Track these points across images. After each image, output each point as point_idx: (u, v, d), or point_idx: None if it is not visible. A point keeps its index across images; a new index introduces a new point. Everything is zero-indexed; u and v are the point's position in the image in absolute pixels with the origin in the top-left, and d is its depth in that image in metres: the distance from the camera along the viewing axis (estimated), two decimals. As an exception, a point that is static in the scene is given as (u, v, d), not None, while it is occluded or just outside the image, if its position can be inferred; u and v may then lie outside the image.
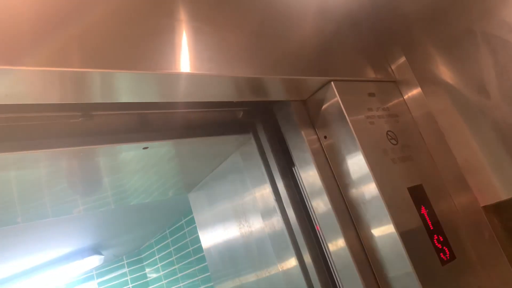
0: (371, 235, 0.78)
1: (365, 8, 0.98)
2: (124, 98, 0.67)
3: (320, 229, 0.84)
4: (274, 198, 0.93)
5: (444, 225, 0.82)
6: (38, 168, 0.79)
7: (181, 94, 0.71)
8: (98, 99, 0.62)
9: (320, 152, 0.86)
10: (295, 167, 0.88)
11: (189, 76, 0.63)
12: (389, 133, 0.86)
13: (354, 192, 0.80)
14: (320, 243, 0.86)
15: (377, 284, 0.78)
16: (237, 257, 1.17)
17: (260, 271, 1.08)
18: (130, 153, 0.90)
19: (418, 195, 0.82)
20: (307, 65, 0.81)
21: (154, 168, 1.05)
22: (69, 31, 0.52)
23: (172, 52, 0.61)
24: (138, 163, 0.97)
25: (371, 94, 0.89)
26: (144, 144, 0.84)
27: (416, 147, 0.90)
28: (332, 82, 0.83)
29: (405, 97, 0.95)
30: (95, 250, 2.57)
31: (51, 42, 0.50)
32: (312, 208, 0.85)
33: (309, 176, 0.84)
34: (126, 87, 0.62)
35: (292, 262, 0.93)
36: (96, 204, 1.19)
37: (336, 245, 0.80)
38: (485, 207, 0.84)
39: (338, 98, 0.82)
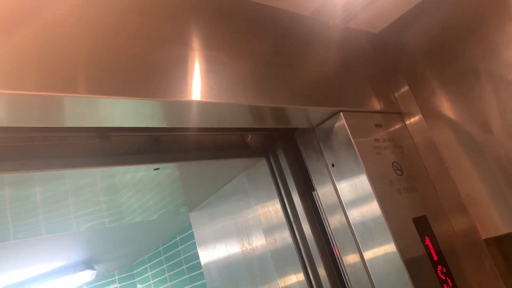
0: (377, 265, 0.80)
1: (372, 41, 1.02)
2: (144, 123, 0.68)
3: (337, 247, 0.88)
4: (292, 220, 0.97)
5: (447, 256, 0.84)
6: (47, 186, 0.80)
7: (198, 121, 0.73)
8: (110, 123, 0.64)
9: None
10: (315, 191, 0.92)
11: (207, 104, 0.65)
12: (394, 164, 0.88)
13: (361, 221, 0.82)
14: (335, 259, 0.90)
15: (380, 313, 0.79)
16: (237, 273, 1.18)
17: (261, 287, 1.09)
18: (140, 174, 0.91)
19: (422, 225, 0.84)
20: (318, 95, 0.83)
21: (159, 188, 1.07)
22: (79, 57, 0.53)
23: (187, 81, 0.63)
24: (145, 183, 0.98)
25: (377, 125, 0.92)
26: (156, 165, 0.86)
27: (420, 178, 0.92)
28: (341, 113, 0.86)
29: (410, 128, 0.98)
30: (88, 264, 2.54)
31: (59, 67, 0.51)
32: (329, 226, 0.89)
33: (329, 201, 0.89)
34: (146, 113, 0.63)
35: (293, 278, 0.97)
36: (95, 223, 1.20)
37: (354, 262, 0.84)
38: (486, 240, 0.86)
39: (347, 128, 0.84)
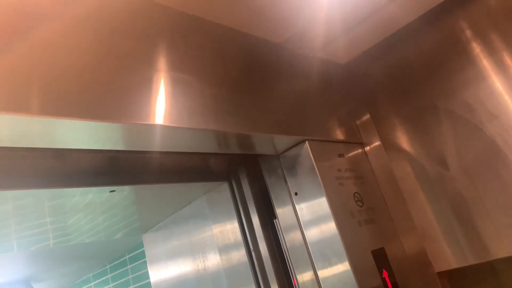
0: (336, 297, 0.79)
1: (338, 71, 1.04)
2: (101, 146, 0.64)
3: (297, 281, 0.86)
4: (252, 248, 0.96)
5: (402, 289, 0.85)
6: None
7: (160, 146, 0.70)
8: (66, 145, 0.59)
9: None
10: (277, 219, 0.91)
11: (170, 128, 0.62)
12: (356, 194, 0.89)
13: (322, 250, 0.82)
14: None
15: None
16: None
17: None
18: (93, 195, 0.86)
19: (380, 258, 0.85)
20: (284, 124, 0.83)
21: (113, 211, 1.01)
22: (33, 76, 0.49)
23: (150, 104, 0.60)
24: (97, 205, 0.93)
25: (340, 155, 0.93)
26: (113, 187, 0.82)
27: (379, 209, 0.93)
28: (306, 142, 0.86)
29: (370, 159, 1.00)
30: (26, 283, 2.38)
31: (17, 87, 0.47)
32: (286, 246, 0.88)
33: (291, 231, 0.88)
34: (103, 136, 0.60)
35: None
36: (39, 245, 1.11)
37: None
38: (439, 273, 0.88)
39: (311, 157, 0.85)
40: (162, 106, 0.62)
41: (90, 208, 0.91)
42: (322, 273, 0.81)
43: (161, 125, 0.60)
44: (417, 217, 0.92)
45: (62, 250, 1.94)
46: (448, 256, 0.88)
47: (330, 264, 0.80)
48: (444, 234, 0.89)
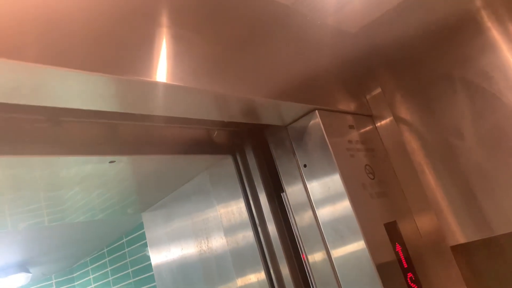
0: (346, 268, 0.76)
1: (348, 40, 0.99)
2: (99, 105, 0.59)
3: (306, 256, 0.83)
4: (258, 223, 0.92)
5: (415, 263, 0.82)
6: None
7: (160, 107, 0.65)
8: (61, 103, 0.54)
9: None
10: (285, 192, 0.87)
11: (170, 87, 0.57)
12: (367, 167, 0.86)
13: (333, 224, 0.78)
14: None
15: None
16: (192, 275, 1.11)
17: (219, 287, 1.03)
18: (91, 167, 0.81)
19: (393, 231, 0.81)
20: (293, 91, 0.79)
21: (111, 185, 0.97)
22: (31, 23, 0.44)
23: (153, 60, 0.56)
24: (95, 178, 0.88)
25: (351, 126, 0.89)
26: (112, 157, 0.77)
27: (390, 182, 0.90)
28: (316, 111, 0.81)
29: (380, 132, 0.96)
30: (22, 267, 2.34)
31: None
32: (297, 228, 0.84)
33: (298, 204, 0.84)
34: (102, 92, 0.55)
35: (252, 278, 0.93)
36: (33, 222, 1.07)
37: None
38: (453, 247, 0.85)
39: (322, 127, 0.80)
40: (164, 63, 0.57)
41: (88, 181, 0.87)
42: (335, 249, 0.78)
43: (162, 83, 0.56)
44: (431, 189, 0.88)
45: (58, 231, 1.90)
46: (464, 229, 0.85)
47: (343, 238, 0.77)
48: (457, 207, 0.86)
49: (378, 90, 0.97)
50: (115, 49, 0.51)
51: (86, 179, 0.86)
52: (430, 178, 0.89)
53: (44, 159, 0.68)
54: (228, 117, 0.78)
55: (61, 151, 0.68)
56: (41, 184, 0.81)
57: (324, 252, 0.79)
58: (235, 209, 0.96)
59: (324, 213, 0.79)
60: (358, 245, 0.74)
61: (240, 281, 0.96)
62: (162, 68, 0.56)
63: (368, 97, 0.99)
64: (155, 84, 0.55)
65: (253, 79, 0.71)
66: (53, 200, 0.95)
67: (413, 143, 0.91)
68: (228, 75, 0.67)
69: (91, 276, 2.70)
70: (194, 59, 0.62)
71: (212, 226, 1.04)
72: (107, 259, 2.58)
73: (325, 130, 0.81)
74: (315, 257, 0.82)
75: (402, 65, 0.95)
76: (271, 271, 0.89)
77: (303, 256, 0.84)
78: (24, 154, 0.64)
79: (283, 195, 0.87)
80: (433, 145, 0.89)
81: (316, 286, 0.81)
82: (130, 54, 0.53)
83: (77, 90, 0.50)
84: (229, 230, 0.98)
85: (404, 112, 0.94)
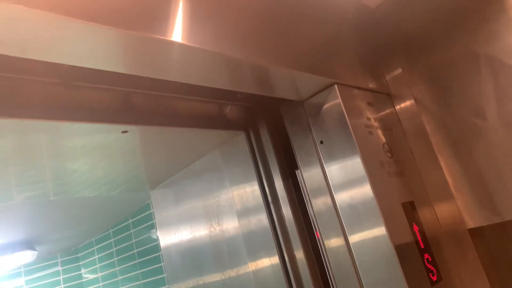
0: (364, 249, 0.74)
1: (368, 16, 0.96)
2: (112, 65, 0.57)
3: (319, 231, 0.81)
4: (271, 200, 0.90)
5: (432, 245, 0.80)
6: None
7: (174, 70, 0.62)
8: (72, 59, 0.52)
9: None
10: (299, 170, 0.84)
11: (184, 47, 0.54)
12: (385, 145, 0.83)
13: (349, 204, 0.76)
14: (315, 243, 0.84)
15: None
16: (202, 257, 1.09)
17: (228, 271, 1.01)
18: (103, 136, 0.80)
19: (410, 211, 0.79)
20: (313, 63, 0.76)
21: (120, 158, 0.95)
22: None
23: (169, 18, 0.53)
24: (105, 149, 0.86)
25: (369, 103, 0.86)
26: (125, 126, 0.75)
27: (407, 163, 0.88)
28: (335, 85, 0.79)
29: (399, 112, 0.94)
30: (28, 245, 2.35)
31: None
32: (312, 209, 0.82)
33: (314, 181, 0.82)
34: (117, 49, 0.52)
35: (266, 262, 0.91)
36: (37, 192, 1.05)
37: (336, 246, 0.79)
38: (471, 230, 0.83)
39: (341, 102, 0.78)
40: (181, 23, 0.54)
41: (97, 152, 0.85)
42: (352, 230, 0.76)
43: (178, 43, 0.53)
44: (450, 170, 0.86)
45: (64, 209, 1.90)
46: (483, 212, 0.83)
47: (360, 218, 0.75)
48: (476, 189, 0.83)
49: (398, 69, 0.95)
50: (133, 4, 0.49)
51: (96, 149, 0.84)
52: (448, 160, 0.87)
53: (58, 125, 0.66)
54: (242, 86, 0.76)
55: (75, 116, 0.66)
56: (49, 153, 0.79)
57: (341, 233, 0.78)
58: (249, 190, 0.94)
59: (342, 192, 0.77)
60: (377, 226, 0.72)
61: (252, 265, 0.94)
62: (178, 28, 0.54)
63: (387, 76, 0.96)
64: (170, 43, 0.52)
65: (273, 47, 0.69)
66: (60, 172, 0.93)
67: (432, 124, 0.89)
68: (244, 40, 0.64)
69: (96, 256, 2.71)
70: (213, 22, 0.59)
71: (225, 207, 1.02)
72: (112, 240, 2.58)
73: (344, 105, 0.78)
74: (330, 238, 0.80)
75: (423, 44, 0.92)
76: (285, 254, 0.87)
77: (317, 234, 0.82)
78: (35, 118, 0.62)
79: (298, 173, 0.84)
80: (453, 126, 0.87)
81: (331, 268, 0.79)
82: (149, 10, 0.50)
83: (90, 45, 0.48)
84: (242, 211, 0.96)
85: (424, 92, 0.91)
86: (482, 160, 0.83)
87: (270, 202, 0.90)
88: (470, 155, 0.85)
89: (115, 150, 0.88)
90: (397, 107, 0.94)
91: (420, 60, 0.92)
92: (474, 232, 0.83)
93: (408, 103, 0.92)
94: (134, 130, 0.78)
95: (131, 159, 0.98)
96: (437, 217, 0.86)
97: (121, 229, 2.50)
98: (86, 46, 0.49)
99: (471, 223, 0.84)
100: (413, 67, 0.93)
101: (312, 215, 0.82)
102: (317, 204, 0.81)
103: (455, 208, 0.85)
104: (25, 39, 0.44)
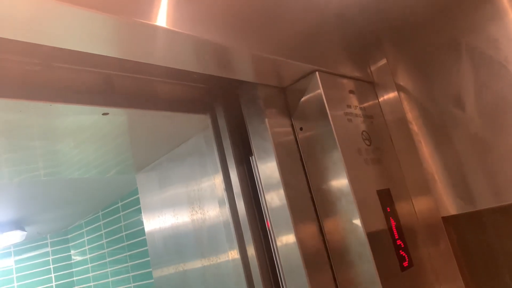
0: (339, 233, 0.76)
1: (351, 6, 0.96)
2: (95, 47, 0.57)
3: (271, 224, 0.79)
4: (224, 187, 0.89)
5: (405, 232, 0.82)
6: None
7: (153, 52, 0.62)
8: (54, 41, 0.52)
9: (291, 144, 0.82)
10: (253, 156, 0.82)
11: (166, 32, 0.55)
12: (364, 133, 0.84)
13: (325, 187, 0.77)
14: (268, 237, 0.81)
15: (334, 282, 0.76)
16: (184, 243, 1.11)
17: (208, 258, 1.03)
18: (85, 118, 0.80)
19: (385, 198, 0.81)
20: (294, 49, 0.76)
21: (105, 140, 0.96)
22: None
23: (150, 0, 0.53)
24: (89, 131, 0.87)
25: (351, 91, 0.87)
26: (106, 109, 0.76)
27: (386, 151, 0.89)
28: (317, 72, 0.80)
29: (381, 100, 0.95)
30: (18, 225, 2.36)
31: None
32: (265, 202, 0.80)
33: (267, 168, 0.79)
34: (100, 34, 0.52)
35: (236, 254, 0.90)
36: (29, 174, 1.06)
37: (286, 240, 0.76)
38: (444, 218, 0.85)
39: (321, 89, 0.79)
40: (165, 6, 0.54)
41: (81, 133, 0.86)
42: (326, 216, 0.77)
43: (162, 28, 0.53)
44: (427, 159, 0.87)
45: (54, 190, 1.91)
46: (454, 201, 0.85)
47: (334, 204, 0.76)
48: (455, 176, 0.85)
49: (383, 60, 0.95)
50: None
51: (80, 131, 0.85)
52: (427, 148, 0.88)
53: (37, 105, 0.66)
54: (226, 72, 0.76)
55: (53, 97, 0.67)
56: (36, 132, 0.80)
57: (315, 219, 0.79)
58: (219, 178, 0.93)
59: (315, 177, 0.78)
60: (350, 210, 0.74)
61: (232, 253, 0.94)
62: (163, 12, 0.54)
63: (372, 65, 0.97)
64: (154, 27, 0.53)
65: (256, 33, 0.69)
66: (48, 153, 0.94)
67: (412, 112, 0.90)
68: (230, 27, 0.64)
69: (86, 238, 2.73)
70: (196, 7, 0.60)
71: (206, 192, 1.03)
72: (101, 222, 2.60)
73: (324, 93, 0.79)
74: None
75: (407, 32, 0.92)
76: (238, 251, 0.86)
77: (267, 224, 0.81)
78: (16, 98, 0.63)
79: (252, 159, 0.82)
80: (433, 115, 0.88)
81: (281, 265, 0.79)
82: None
83: (72, 28, 0.49)
84: (221, 199, 0.97)
85: (406, 80, 0.92)
86: (460, 150, 0.84)
87: (224, 190, 0.89)
88: (449, 144, 0.86)
89: (98, 133, 0.89)
90: (380, 95, 0.95)
91: (405, 49, 0.93)
92: (448, 220, 0.85)
93: (390, 91, 0.93)
94: (115, 113, 0.79)
95: (115, 142, 0.99)
96: (412, 204, 0.88)
97: (110, 212, 2.52)
98: (69, 29, 0.49)
99: (445, 212, 0.85)
100: (397, 56, 0.93)
101: (264, 205, 0.81)
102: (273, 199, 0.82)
103: (431, 196, 0.86)
104: (3, 18, 0.44)
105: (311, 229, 0.79)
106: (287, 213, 0.75)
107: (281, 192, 0.76)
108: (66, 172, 1.09)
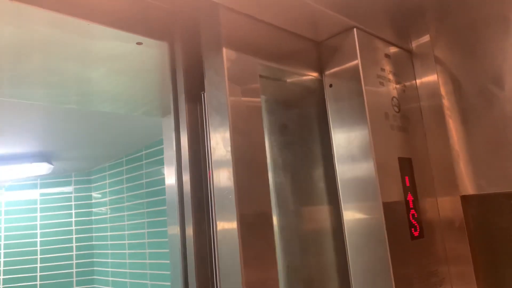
0: (351, 186, 0.75)
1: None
2: None
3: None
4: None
5: (421, 203, 0.81)
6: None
7: None
8: None
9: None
10: (203, 92, 0.69)
11: None
12: (394, 99, 0.83)
13: (344, 143, 0.77)
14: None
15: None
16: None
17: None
18: (119, 45, 0.81)
19: (406, 167, 0.80)
20: (335, 3, 0.75)
21: (136, 74, 0.96)
22: None
23: None
24: (121, 60, 0.88)
25: (387, 56, 0.85)
26: (140, 38, 0.77)
27: (414, 121, 0.87)
28: (354, 29, 0.78)
29: (416, 71, 0.92)
30: (46, 158, 2.46)
31: None
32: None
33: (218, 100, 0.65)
34: None
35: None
36: (59, 98, 1.09)
37: (225, 225, 0.62)
38: (463, 197, 0.83)
39: (357, 48, 0.77)
40: None
41: (113, 61, 0.87)
42: (342, 168, 0.77)
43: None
44: (455, 136, 0.85)
45: (84, 126, 1.97)
46: (476, 181, 0.82)
47: (353, 161, 0.76)
48: (477, 158, 0.82)
49: (425, 33, 0.92)
50: None
51: (113, 59, 0.86)
52: (457, 124, 0.86)
53: (74, 21, 0.68)
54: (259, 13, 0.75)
55: (91, 17, 0.68)
56: (71, 53, 0.82)
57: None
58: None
59: (338, 133, 0.78)
60: (368, 169, 0.73)
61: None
62: None
63: (413, 37, 0.93)
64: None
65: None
66: (82, 80, 0.96)
67: (447, 86, 0.87)
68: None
69: (107, 181, 2.83)
70: None
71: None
72: (124, 168, 2.68)
73: (359, 51, 0.77)
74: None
75: (453, 5, 0.88)
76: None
77: (209, 173, 0.83)
78: (54, 10, 0.64)
79: (203, 95, 0.70)
80: (468, 92, 0.85)
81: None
82: None
83: None
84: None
85: (446, 53, 0.88)
86: (490, 130, 0.82)
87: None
88: (480, 123, 0.83)
89: (130, 64, 0.90)
90: (416, 65, 0.92)
91: (448, 22, 0.89)
92: (467, 199, 0.83)
93: (428, 63, 0.90)
94: (148, 44, 0.79)
95: (146, 78, 1.00)
96: (432, 178, 0.86)
97: (134, 159, 2.59)
98: None
99: (465, 190, 0.83)
100: (440, 29, 0.90)
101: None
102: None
103: (452, 173, 0.84)
104: None
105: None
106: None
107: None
108: (96, 102, 1.11)
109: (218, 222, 0.62)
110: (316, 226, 0.82)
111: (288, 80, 0.83)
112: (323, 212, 0.82)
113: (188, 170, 0.73)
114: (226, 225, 0.60)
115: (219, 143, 0.63)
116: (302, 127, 0.86)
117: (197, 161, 0.73)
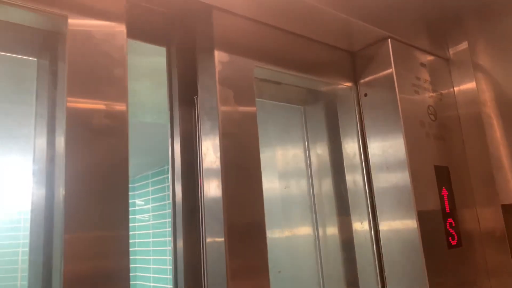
0: (386, 196, 0.76)
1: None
2: None
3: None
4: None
5: (459, 212, 0.80)
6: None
7: None
8: None
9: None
10: (197, 97, 0.66)
11: None
12: (430, 107, 0.83)
13: (379, 152, 0.78)
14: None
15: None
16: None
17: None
18: (160, 60, 0.86)
19: (442, 175, 0.79)
20: (369, 14, 0.76)
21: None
22: None
23: None
24: (163, 73, 0.93)
25: (422, 65, 0.85)
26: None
27: (452, 130, 0.86)
28: (389, 39, 0.79)
29: (454, 79, 0.91)
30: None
31: None
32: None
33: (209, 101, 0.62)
34: None
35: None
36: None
37: (213, 236, 0.60)
38: (504, 206, 0.82)
39: (391, 57, 0.78)
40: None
41: (156, 75, 0.92)
42: (377, 177, 0.78)
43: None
44: (495, 145, 0.84)
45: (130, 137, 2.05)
46: (519, 191, 0.80)
47: (388, 170, 0.76)
48: (521, 167, 0.81)
49: (463, 40, 0.91)
50: None
51: (155, 72, 0.91)
52: (497, 132, 0.84)
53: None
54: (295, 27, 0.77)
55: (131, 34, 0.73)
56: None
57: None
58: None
59: (374, 142, 0.79)
60: (402, 177, 0.74)
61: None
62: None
63: (450, 44, 0.93)
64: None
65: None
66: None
67: (487, 93, 0.86)
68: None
69: (150, 188, 2.92)
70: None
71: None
72: (166, 176, 2.76)
73: (393, 61, 0.78)
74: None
75: (493, 11, 0.87)
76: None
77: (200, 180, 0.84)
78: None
79: (196, 100, 0.66)
80: (509, 97, 0.83)
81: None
82: None
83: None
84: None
85: (486, 61, 0.87)
86: (532, 138, 0.80)
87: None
88: (521, 132, 0.82)
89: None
90: (454, 74, 0.91)
91: (487, 28, 0.88)
92: (508, 209, 0.82)
93: (466, 71, 0.89)
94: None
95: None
96: (471, 187, 0.85)
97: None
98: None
99: (507, 199, 0.82)
100: (478, 36, 0.89)
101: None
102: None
103: (492, 181, 0.83)
104: None
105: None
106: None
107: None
108: (140, 113, 1.18)
109: (207, 234, 0.60)
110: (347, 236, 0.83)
111: (322, 89, 0.85)
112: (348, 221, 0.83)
113: (180, 179, 0.67)
114: (214, 236, 0.58)
115: (209, 149, 0.60)
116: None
117: (190, 169, 0.67)
